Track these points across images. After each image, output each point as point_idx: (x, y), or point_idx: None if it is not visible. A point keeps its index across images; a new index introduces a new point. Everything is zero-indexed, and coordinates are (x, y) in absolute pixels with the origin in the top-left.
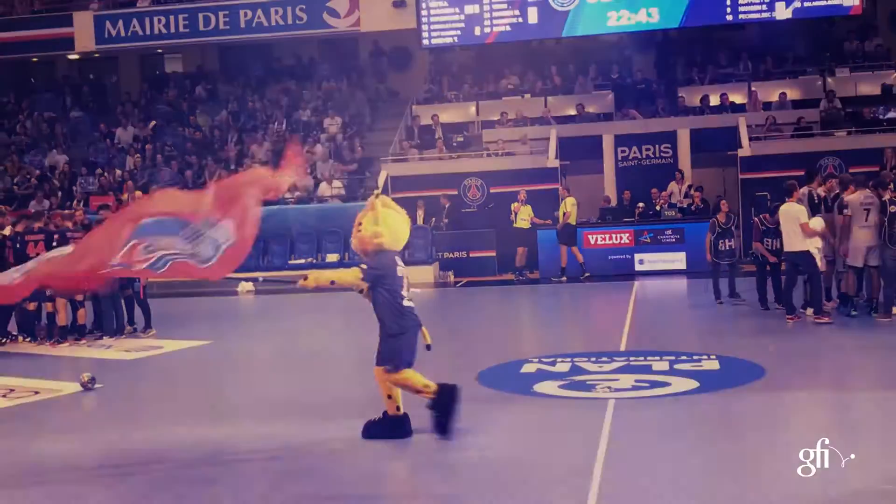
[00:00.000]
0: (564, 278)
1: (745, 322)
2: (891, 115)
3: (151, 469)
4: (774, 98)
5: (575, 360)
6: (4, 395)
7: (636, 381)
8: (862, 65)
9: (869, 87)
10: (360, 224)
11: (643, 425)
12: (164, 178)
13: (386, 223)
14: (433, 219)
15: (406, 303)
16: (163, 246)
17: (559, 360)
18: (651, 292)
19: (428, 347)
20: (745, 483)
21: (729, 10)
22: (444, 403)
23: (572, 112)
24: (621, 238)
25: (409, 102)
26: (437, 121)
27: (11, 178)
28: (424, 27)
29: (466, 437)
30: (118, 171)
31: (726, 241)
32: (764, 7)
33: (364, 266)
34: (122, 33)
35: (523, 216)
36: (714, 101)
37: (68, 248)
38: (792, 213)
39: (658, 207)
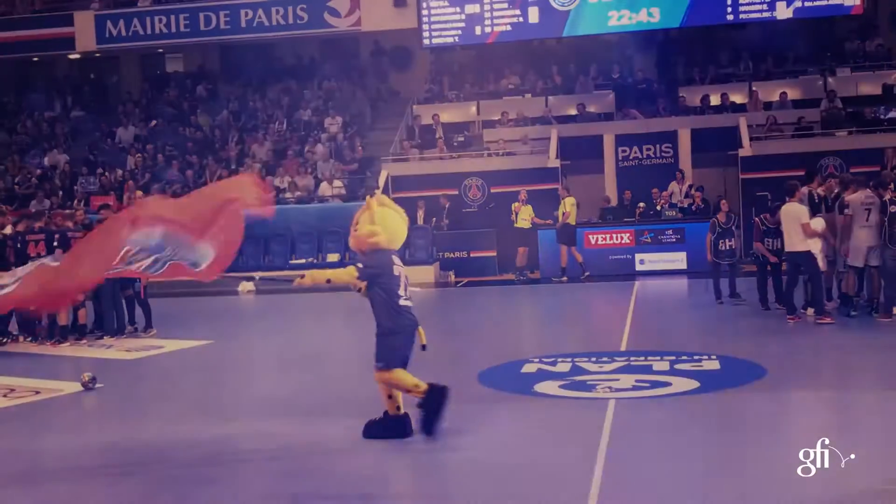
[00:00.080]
0: (565, 278)
1: (745, 322)
2: (892, 115)
3: (151, 469)
4: (775, 98)
5: (575, 360)
6: (5, 395)
7: (637, 381)
8: (863, 65)
9: (870, 86)
10: (356, 223)
11: (643, 425)
12: (170, 177)
13: (382, 222)
14: (434, 219)
15: (403, 302)
16: (154, 252)
17: (560, 360)
18: (651, 292)
19: (423, 348)
20: (746, 483)
21: (730, 9)
22: (433, 403)
23: (573, 112)
24: (622, 238)
25: (410, 102)
26: (437, 120)
27: (12, 177)
28: (425, 27)
29: (467, 437)
30: (119, 171)
31: (727, 240)
32: (765, 7)
33: (360, 265)
34: (123, 33)
35: (524, 216)
36: (715, 100)
37: (55, 263)
38: (793, 213)
39: (658, 207)
